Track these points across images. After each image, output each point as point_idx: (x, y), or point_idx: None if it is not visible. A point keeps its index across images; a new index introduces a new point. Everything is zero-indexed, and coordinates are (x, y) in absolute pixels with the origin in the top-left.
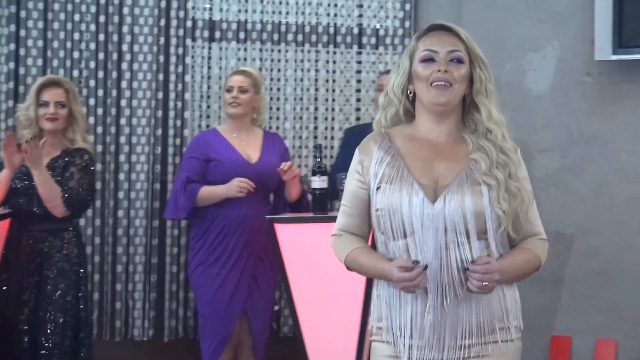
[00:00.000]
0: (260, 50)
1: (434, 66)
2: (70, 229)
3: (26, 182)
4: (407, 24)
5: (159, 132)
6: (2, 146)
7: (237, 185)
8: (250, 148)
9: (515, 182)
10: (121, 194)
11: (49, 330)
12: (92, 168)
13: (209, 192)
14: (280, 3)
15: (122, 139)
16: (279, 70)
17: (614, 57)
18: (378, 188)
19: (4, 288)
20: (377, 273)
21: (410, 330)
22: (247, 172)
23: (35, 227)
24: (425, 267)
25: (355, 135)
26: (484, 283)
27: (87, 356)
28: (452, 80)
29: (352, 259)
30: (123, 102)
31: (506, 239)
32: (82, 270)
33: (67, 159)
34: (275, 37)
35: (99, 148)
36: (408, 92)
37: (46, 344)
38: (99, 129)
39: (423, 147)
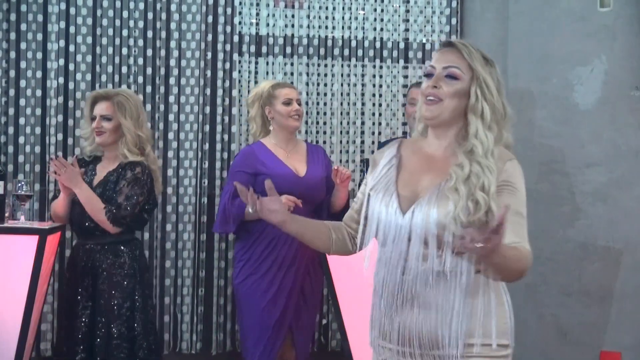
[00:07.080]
0: (307, 64)
1: (430, 81)
2: (124, 241)
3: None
4: (453, 38)
5: (207, 146)
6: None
7: (284, 203)
8: (296, 162)
9: (485, 194)
10: (169, 208)
11: (98, 340)
12: (143, 180)
13: None
14: (327, 18)
15: (170, 154)
16: (325, 85)
17: None
18: (369, 195)
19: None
20: None
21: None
22: (296, 186)
23: (89, 241)
24: None
25: None
26: (479, 245)
27: None
28: (441, 95)
29: None
30: (171, 117)
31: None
32: (133, 281)
33: (120, 171)
34: (322, 51)
35: None
36: None
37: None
38: None
39: (419, 160)
